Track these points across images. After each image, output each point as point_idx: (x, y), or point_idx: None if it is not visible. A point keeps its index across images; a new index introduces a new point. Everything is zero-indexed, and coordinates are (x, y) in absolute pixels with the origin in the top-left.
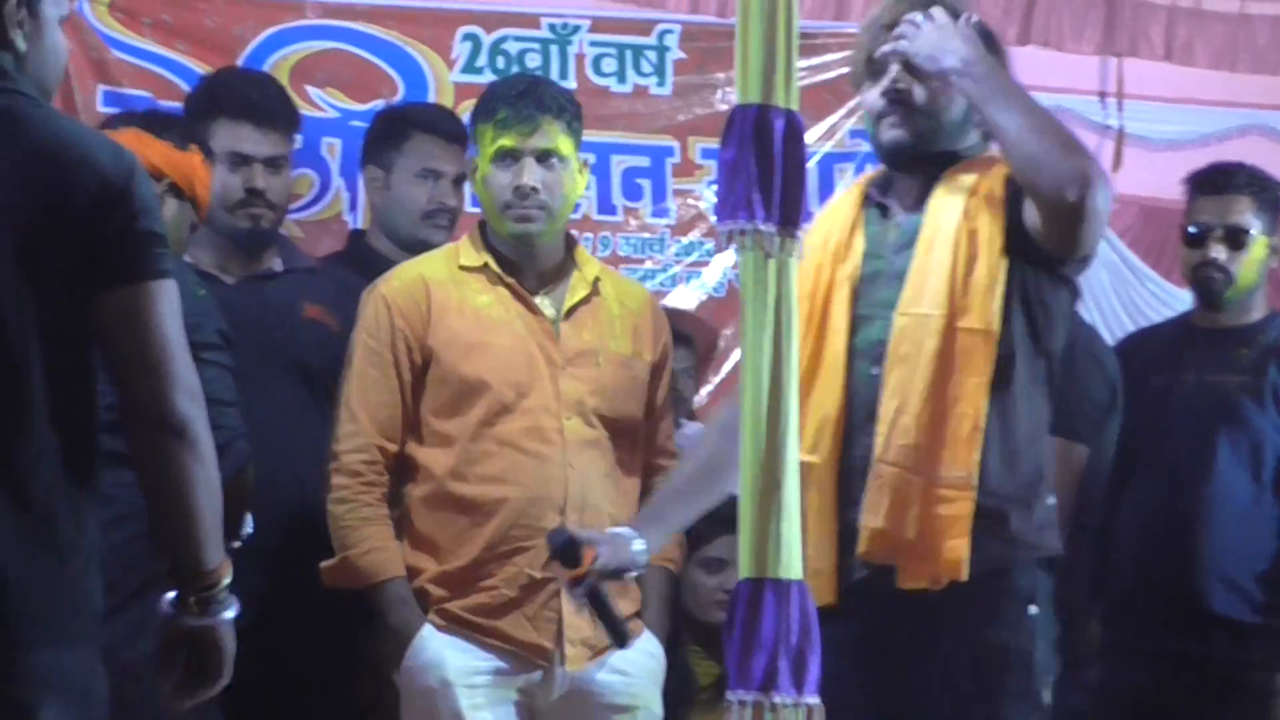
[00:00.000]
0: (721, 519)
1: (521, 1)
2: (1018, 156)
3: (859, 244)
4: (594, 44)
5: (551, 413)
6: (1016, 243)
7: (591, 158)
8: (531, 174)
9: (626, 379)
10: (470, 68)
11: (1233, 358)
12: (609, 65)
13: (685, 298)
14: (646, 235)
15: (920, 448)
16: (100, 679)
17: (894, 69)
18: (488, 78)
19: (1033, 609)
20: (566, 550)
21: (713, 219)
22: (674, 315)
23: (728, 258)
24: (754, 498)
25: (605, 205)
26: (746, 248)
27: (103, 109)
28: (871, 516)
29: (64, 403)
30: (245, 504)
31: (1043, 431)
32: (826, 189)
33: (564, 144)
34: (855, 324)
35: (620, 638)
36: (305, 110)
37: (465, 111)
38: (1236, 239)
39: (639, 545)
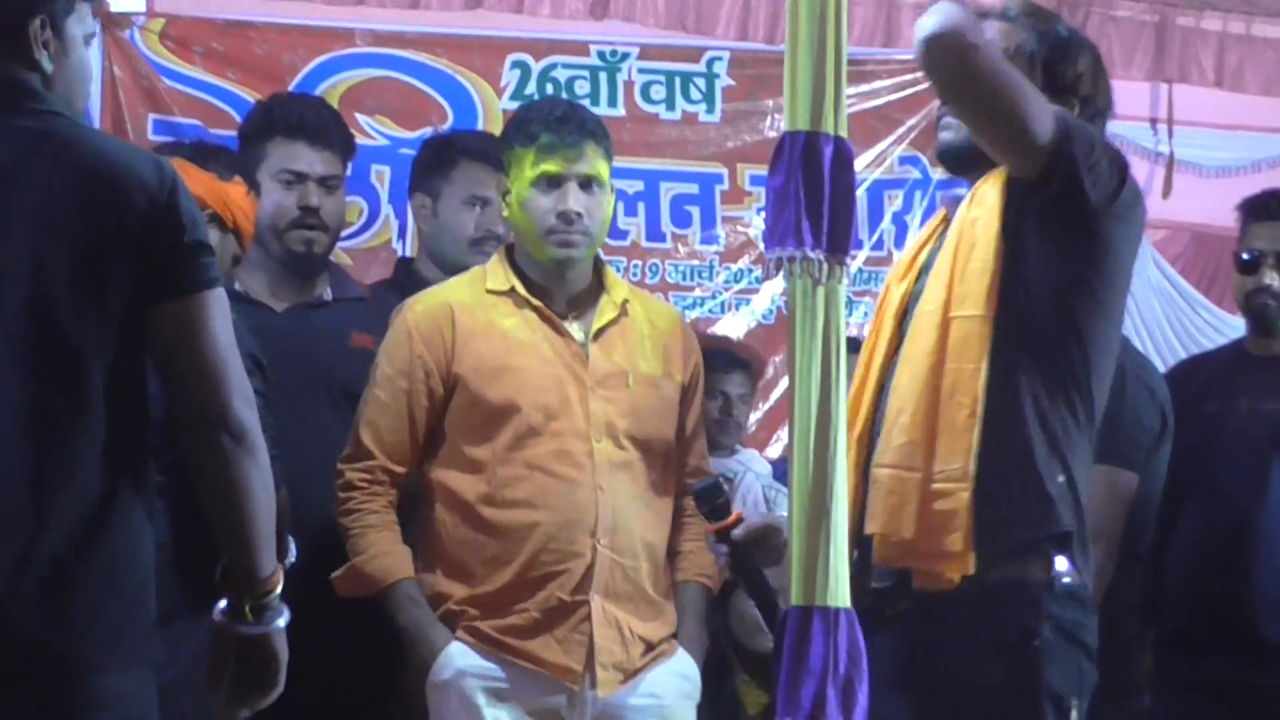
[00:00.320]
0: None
1: (571, 29)
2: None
3: (922, 258)
4: (643, 71)
5: (581, 435)
6: (1020, 207)
7: (640, 184)
8: (576, 199)
9: (657, 400)
10: (519, 95)
11: None
12: (658, 92)
13: (734, 325)
14: (695, 262)
15: (916, 444)
16: (154, 704)
17: None
18: None
19: (1038, 639)
20: (716, 499)
21: (761, 246)
22: (730, 341)
23: (777, 284)
24: (803, 525)
25: (654, 232)
26: (795, 274)
27: (154, 137)
28: (872, 522)
29: (123, 418)
30: (283, 527)
31: (1056, 409)
32: (875, 216)
33: (603, 169)
34: (901, 337)
35: (768, 606)
36: (355, 138)
37: None
38: None
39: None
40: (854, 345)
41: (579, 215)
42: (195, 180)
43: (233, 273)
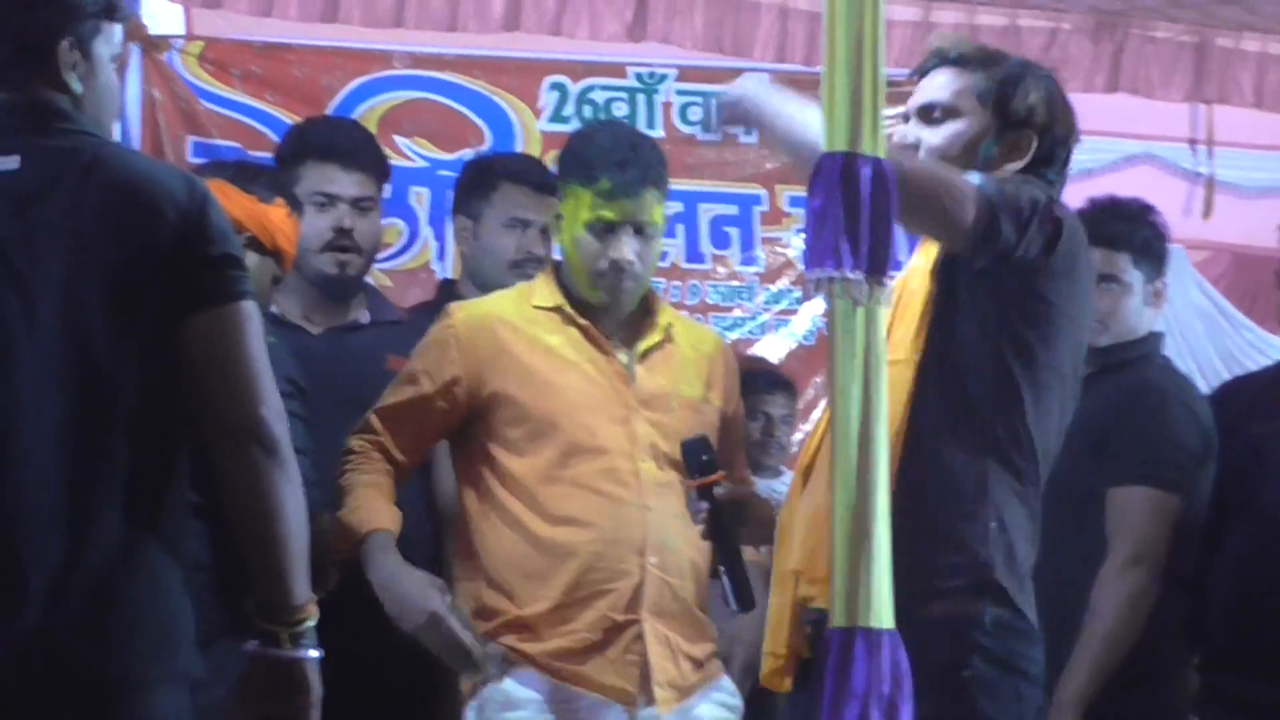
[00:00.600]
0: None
1: (608, 50)
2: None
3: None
4: (681, 93)
5: (627, 455)
6: (952, 264)
7: (679, 206)
8: (630, 248)
9: (698, 423)
10: (557, 117)
11: None
12: (696, 114)
13: (774, 346)
14: (735, 283)
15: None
16: None
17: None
18: (574, 126)
19: (968, 670)
20: (702, 455)
21: (801, 267)
22: (771, 362)
23: (817, 305)
24: (845, 546)
25: (693, 253)
26: (835, 295)
27: (192, 160)
28: (794, 561)
29: (158, 432)
30: (322, 551)
31: (989, 454)
32: (913, 237)
33: (660, 213)
34: None
35: (737, 575)
36: (393, 160)
37: (553, 161)
38: None
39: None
40: None
41: (631, 263)
42: (233, 203)
43: (270, 295)
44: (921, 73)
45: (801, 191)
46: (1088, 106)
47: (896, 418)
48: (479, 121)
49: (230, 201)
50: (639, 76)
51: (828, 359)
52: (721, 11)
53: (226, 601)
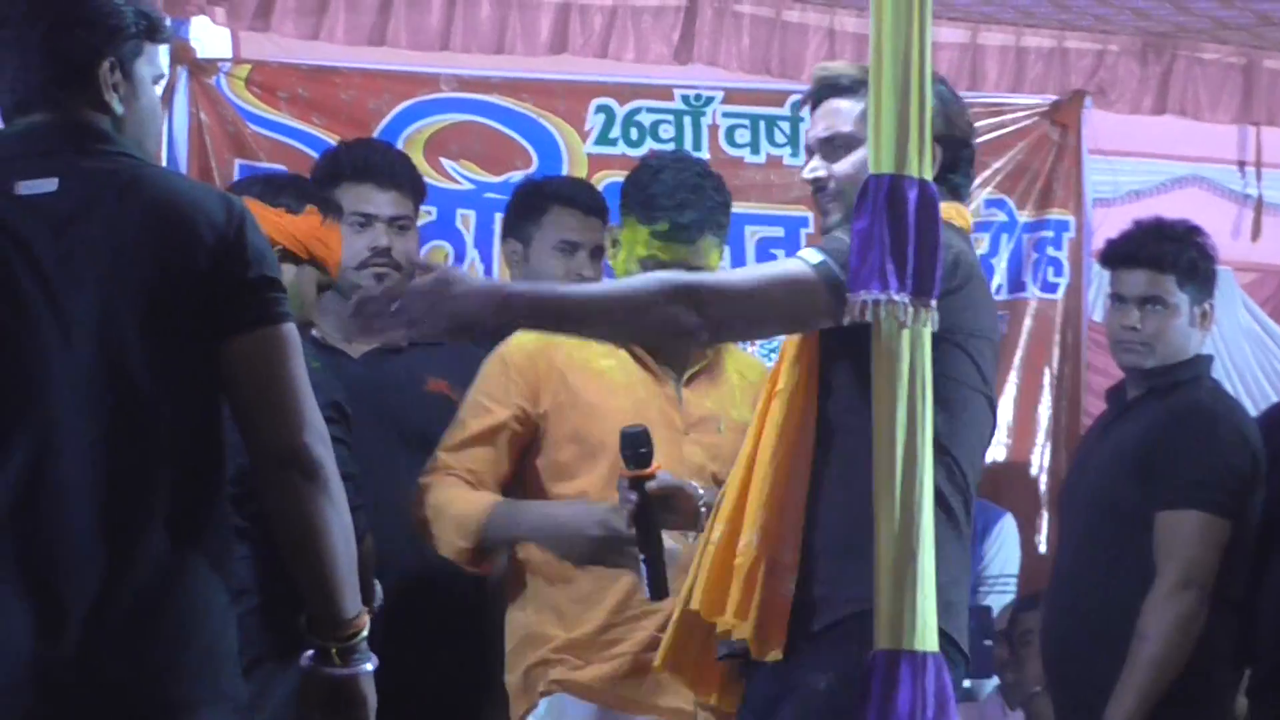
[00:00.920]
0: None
1: (655, 73)
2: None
3: None
4: (727, 115)
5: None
6: None
7: None
8: None
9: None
10: (604, 139)
11: None
12: (742, 136)
13: None
14: None
15: (731, 520)
16: None
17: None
18: (621, 149)
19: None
20: (640, 447)
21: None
22: None
23: None
24: (890, 569)
25: None
26: (880, 317)
27: None
28: (694, 597)
29: (198, 454)
30: (368, 573)
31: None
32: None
33: (715, 258)
34: None
35: (656, 567)
36: (440, 182)
37: (600, 183)
38: None
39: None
40: None
41: None
42: (263, 218)
43: (316, 304)
44: (814, 104)
45: None
46: (1135, 128)
47: (767, 453)
48: (525, 144)
49: (260, 219)
50: (685, 99)
51: (873, 381)
52: (768, 34)
53: (271, 624)
